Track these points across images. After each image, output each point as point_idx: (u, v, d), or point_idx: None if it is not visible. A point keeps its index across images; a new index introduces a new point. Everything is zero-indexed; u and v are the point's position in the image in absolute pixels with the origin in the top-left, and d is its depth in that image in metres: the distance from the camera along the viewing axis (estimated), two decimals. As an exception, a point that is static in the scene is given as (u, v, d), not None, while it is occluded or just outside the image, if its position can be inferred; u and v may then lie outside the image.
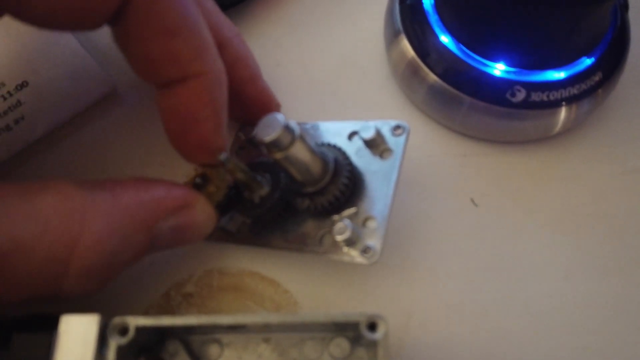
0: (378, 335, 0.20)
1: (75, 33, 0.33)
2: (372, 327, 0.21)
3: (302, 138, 0.23)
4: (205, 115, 0.24)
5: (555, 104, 0.27)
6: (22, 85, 0.32)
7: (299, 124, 0.24)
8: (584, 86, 0.28)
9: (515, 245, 0.28)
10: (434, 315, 0.27)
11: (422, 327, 0.27)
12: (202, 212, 0.24)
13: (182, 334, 0.23)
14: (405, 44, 0.29)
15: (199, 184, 0.25)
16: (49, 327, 0.20)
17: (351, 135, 0.27)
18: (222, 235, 0.28)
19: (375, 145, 0.25)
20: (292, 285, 0.28)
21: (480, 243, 0.28)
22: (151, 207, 0.22)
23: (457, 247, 0.28)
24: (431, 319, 0.27)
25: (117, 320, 0.20)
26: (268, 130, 0.22)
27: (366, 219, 0.24)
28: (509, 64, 0.27)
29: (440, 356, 0.27)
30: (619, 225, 0.29)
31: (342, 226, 0.23)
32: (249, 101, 0.28)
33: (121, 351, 0.20)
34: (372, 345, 0.22)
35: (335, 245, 0.24)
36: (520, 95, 0.27)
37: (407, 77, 0.30)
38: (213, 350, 0.24)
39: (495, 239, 0.29)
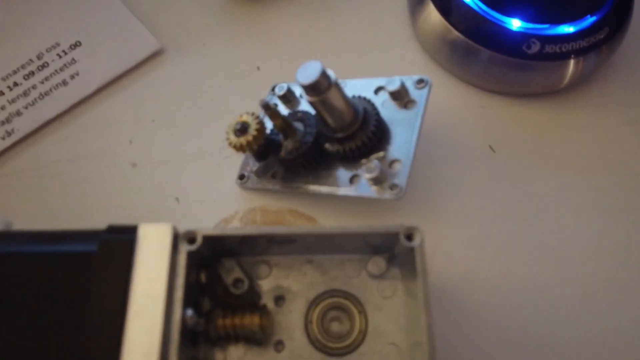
0: (415, 243, 0.23)
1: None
2: (409, 237, 0.23)
3: (337, 84, 0.25)
4: None
5: (565, 56, 0.30)
6: (76, 44, 0.34)
7: None
8: (589, 41, 0.31)
9: (529, 186, 0.31)
10: (456, 249, 0.30)
11: (445, 259, 0.30)
12: None
13: (236, 254, 0.26)
14: (430, 5, 0.32)
15: (240, 131, 0.27)
16: (129, 235, 0.22)
17: (377, 90, 0.29)
18: (259, 182, 0.30)
19: (400, 97, 0.28)
20: (327, 221, 0.30)
21: (498, 184, 0.31)
22: None
23: (476, 188, 0.31)
24: (454, 252, 0.30)
25: (186, 230, 0.23)
26: (307, 75, 0.25)
27: (392, 162, 0.27)
28: (524, 20, 0.30)
29: (462, 285, 0.30)
30: (623, 169, 0.32)
31: (371, 165, 0.26)
32: None
33: (189, 258, 0.23)
34: (406, 262, 0.25)
35: (365, 184, 0.27)
36: (535, 48, 0.30)
37: (430, 36, 0.33)
38: (262, 270, 0.26)
39: (511, 180, 0.31)
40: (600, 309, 0.29)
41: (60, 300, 0.21)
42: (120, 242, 0.22)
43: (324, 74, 0.24)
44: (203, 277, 0.25)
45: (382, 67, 0.35)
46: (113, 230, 0.22)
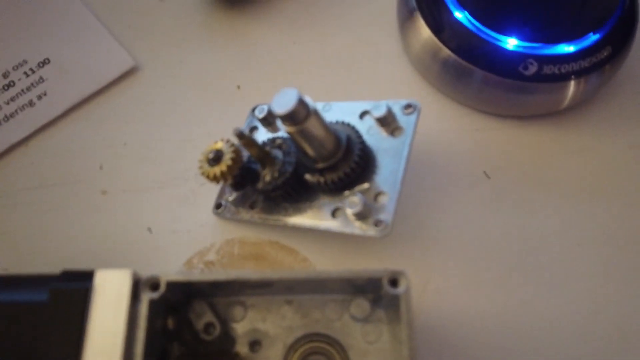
0: (400, 290, 0.21)
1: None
2: (394, 283, 0.21)
3: (316, 113, 0.23)
4: None
5: (565, 77, 0.28)
6: (44, 62, 0.32)
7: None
8: (591, 61, 0.29)
9: (527, 215, 0.29)
10: (449, 283, 0.28)
11: (437, 295, 0.28)
12: None
13: (208, 296, 0.24)
14: (420, 22, 0.30)
15: (213, 160, 0.25)
16: (84, 282, 0.20)
17: (363, 114, 0.27)
18: (237, 212, 0.28)
19: (387, 123, 0.26)
20: (310, 253, 0.28)
21: (494, 213, 0.29)
22: None
23: (471, 217, 0.29)
24: (446, 286, 0.28)
25: (149, 276, 0.21)
26: (283, 104, 0.22)
27: (377, 194, 0.25)
28: (520, 39, 0.28)
29: (455, 322, 0.28)
30: (628, 195, 0.30)
31: (355, 200, 0.24)
32: None
33: (152, 306, 0.21)
34: (391, 305, 0.23)
35: (348, 219, 0.25)
36: (533, 69, 0.28)
37: (421, 54, 0.31)
38: (237, 311, 0.24)
39: (508, 208, 0.29)
40: (604, 350, 0.27)
41: (4, 356, 0.19)
42: (73, 291, 0.20)
43: (301, 102, 0.22)
44: (171, 323, 0.23)
45: (370, 86, 0.33)
46: (67, 276, 0.20)
